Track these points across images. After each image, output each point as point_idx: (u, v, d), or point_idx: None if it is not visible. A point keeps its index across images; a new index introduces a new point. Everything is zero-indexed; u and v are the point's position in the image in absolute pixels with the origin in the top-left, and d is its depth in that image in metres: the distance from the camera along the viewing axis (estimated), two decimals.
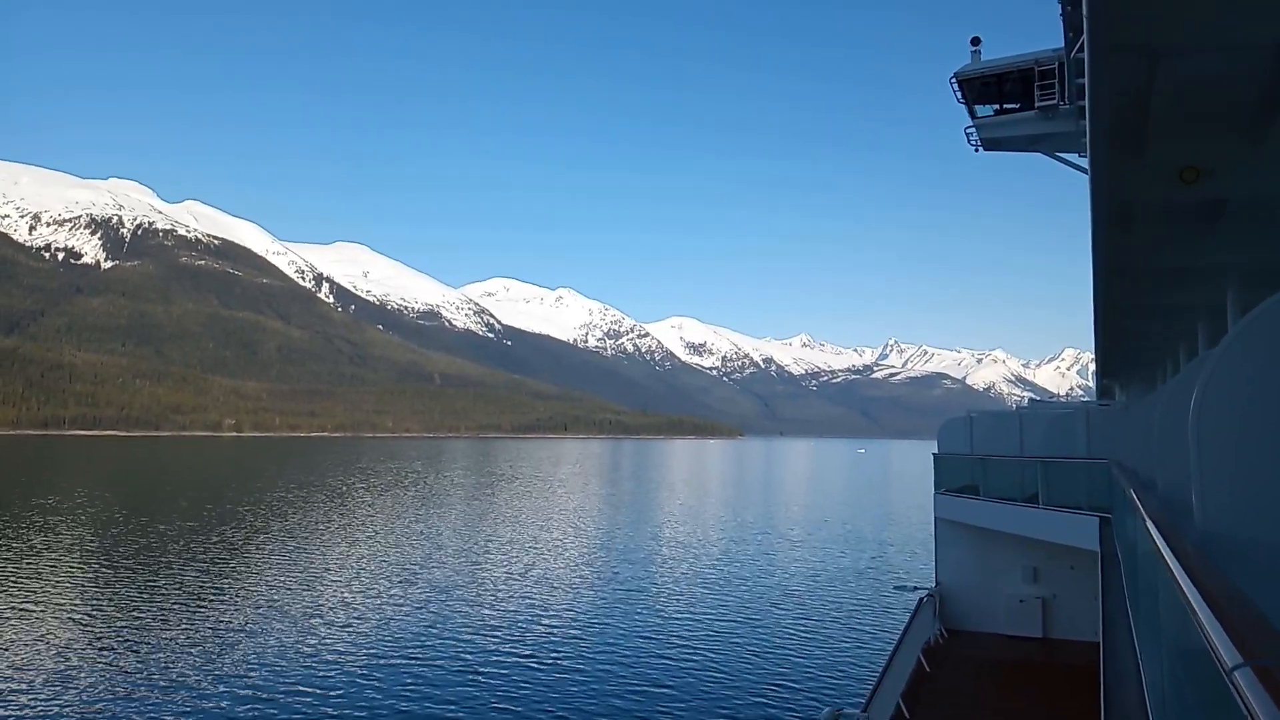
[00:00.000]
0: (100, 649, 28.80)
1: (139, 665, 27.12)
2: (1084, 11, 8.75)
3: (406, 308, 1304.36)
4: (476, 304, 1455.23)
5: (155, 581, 40.76)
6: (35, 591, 37.91)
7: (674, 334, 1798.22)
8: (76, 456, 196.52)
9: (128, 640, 30.02)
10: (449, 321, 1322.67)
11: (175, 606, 35.62)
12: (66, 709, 23.05)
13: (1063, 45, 24.09)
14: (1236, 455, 3.90)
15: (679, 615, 35.62)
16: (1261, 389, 3.72)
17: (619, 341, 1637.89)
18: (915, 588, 30.18)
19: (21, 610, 34.19)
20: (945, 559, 29.34)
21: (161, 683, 25.46)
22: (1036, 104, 26.62)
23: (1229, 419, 3.97)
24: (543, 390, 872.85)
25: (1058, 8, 19.36)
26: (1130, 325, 25.07)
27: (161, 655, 28.22)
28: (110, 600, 36.65)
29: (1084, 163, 15.36)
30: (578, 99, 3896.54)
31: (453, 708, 23.99)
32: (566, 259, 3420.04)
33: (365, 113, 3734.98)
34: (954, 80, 28.25)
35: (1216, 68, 9.94)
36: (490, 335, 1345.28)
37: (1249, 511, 3.77)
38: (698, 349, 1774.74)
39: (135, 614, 34.08)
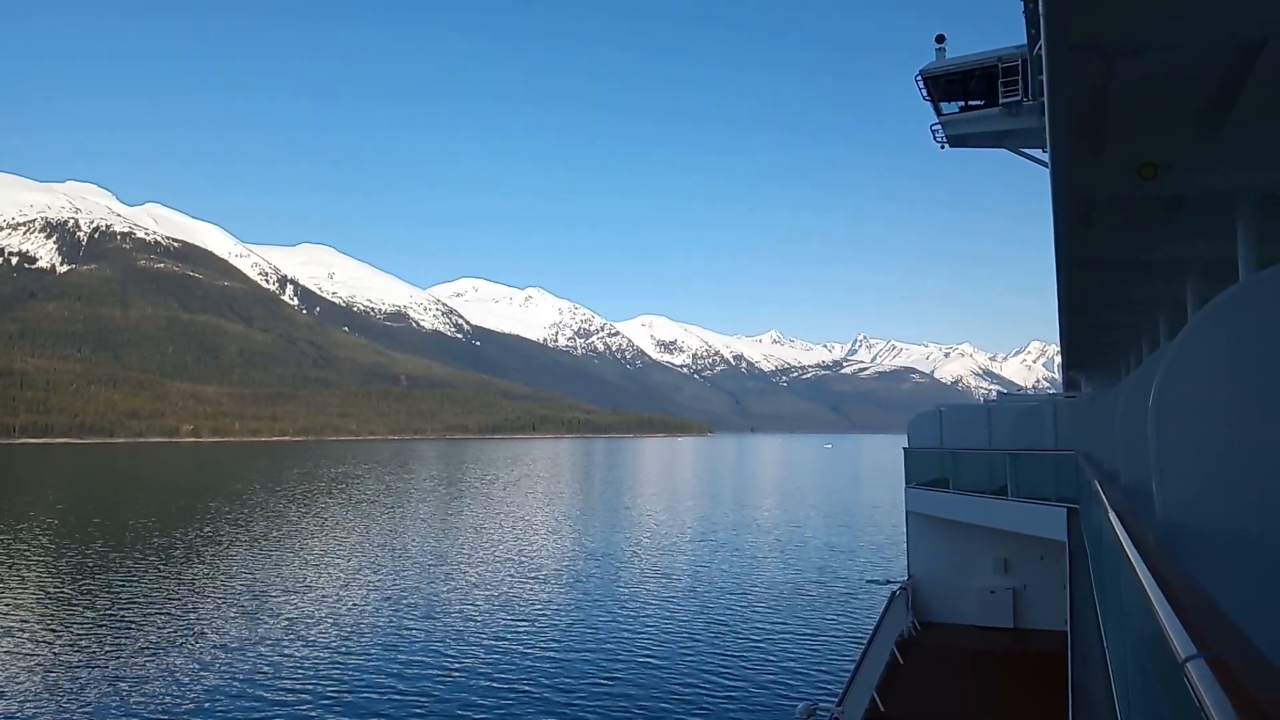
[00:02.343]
0: (59, 662, 28.27)
1: (102, 677, 26.74)
2: (1040, 10, 8.90)
3: (373, 309, 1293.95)
4: (445, 304, 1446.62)
5: (118, 593, 40.17)
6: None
7: (644, 332, 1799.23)
8: (19, 464, 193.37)
9: (89, 653, 29.53)
10: (417, 322, 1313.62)
11: (139, 617, 35.14)
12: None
13: (1025, 42, 24.40)
14: (1194, 447, 3.91)
15: (652, 613, 35.66)
16: (1218, 381, 3.73)
17: (589, 340, 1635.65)
18: (888, 581, 30.46)
19: None
20: (917, 552, 29.63)
21: (128, 695, 25.14)
22: (1000, 100, 26.81)
23: (1187, 411, 3.97)
24: (511, 390, 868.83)
25: (1020, 4, 19.61)
26: (1094, 319, 25.43)
27: (127, 667, 27.84)
28: (70, 613, 35.96)
29: (1047, 158, 15.58)
30: (545, 97, 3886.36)
31: (432, 712, 23.90)
32: (536, 258, 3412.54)
33: (330, 114, 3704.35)
34: (919, 78, 28.43)
35: (1172, 65, 10.11)
36: (459, 336, 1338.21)
37: (1207, 503, 3.79)
38: (668, 347, 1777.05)
39: (98, 626, 33.55)
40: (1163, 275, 18.80)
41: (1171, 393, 4.04)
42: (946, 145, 29.90)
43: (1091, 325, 26.83)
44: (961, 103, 28.63)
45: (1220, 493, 3.66)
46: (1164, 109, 11.29)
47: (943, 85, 28.56)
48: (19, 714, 23.16)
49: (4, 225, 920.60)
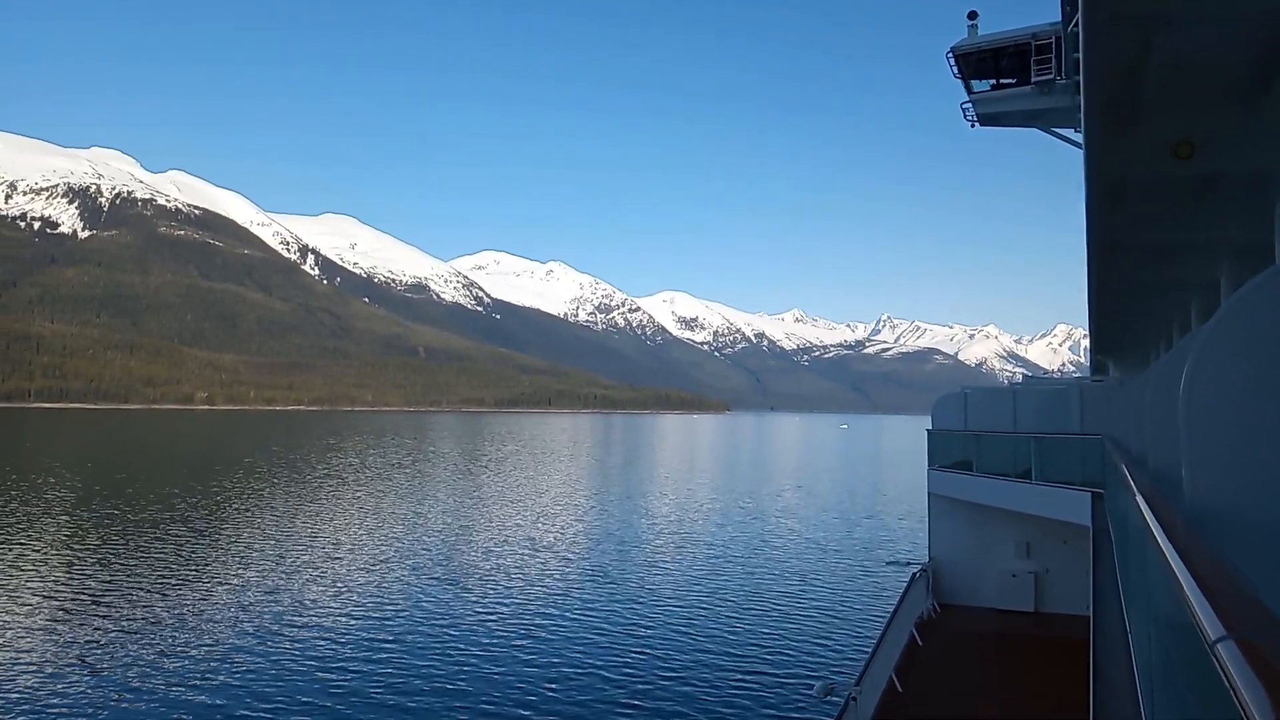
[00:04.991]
0: (71, 631, 28.19)
1: (112, 645, 26.88)
2: None
3: (394, 280, 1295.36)
4: (466, 277, 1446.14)
5: (128, 562, 40.33)
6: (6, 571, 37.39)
7: (665, 308, 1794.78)
8: (21, 429, 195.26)
9: (103, 621, 29.50)
10: (437, 295, 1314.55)
11: (150, 586, 35.21)
12: (37, 695, 22.52)
13: (1060, 19, 23.99)
14: (1226, 431, 3.86)
15: (671, 592, 35.61)
16: (1252, 364, 3.67)
17: (610, 315, 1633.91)
18: (908, 563, 30.31)
19: None
20: (938, 534, 29.47)
21: (137, 663, 25.30)
22: (1033, 79, 26.48)
23: (1219, 394, 3.94)
24: (529, 364, 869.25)
25: None
26: (1124, 302, 25.08)
27: (137, 635, 27.97)
28: (83, 582, 35.89)
29: (1080, 138, 15.25)
30: (569, 72, 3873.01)
31: (443, 687, 23.94)
32: (558, 233, 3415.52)
33: (357, 85, 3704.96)
34: (950, 55, 28.09)
35: (1211, 41, 9.89)
36: (479, 309, 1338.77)
37: (1238, 487, 3.74)
38: (689, 323, 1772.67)
39: (110, 594, 33.52)
40: (1196, 258, 18.46)
41: (1203, 376, 4.01)
42: (977, 124, 29.55)
43: (1121, 309, 26.48)
44: (993, 81, 28.24)
45: (1251, 477, 3.57)
46: (1201, 85, 10.94)
47: (974, 62, 28.18)
48: (17, 684, 23.19)
49: (27, 190, 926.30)
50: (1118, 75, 10.31)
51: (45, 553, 40.67)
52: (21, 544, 42.63)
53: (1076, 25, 10.48)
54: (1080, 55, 10.26)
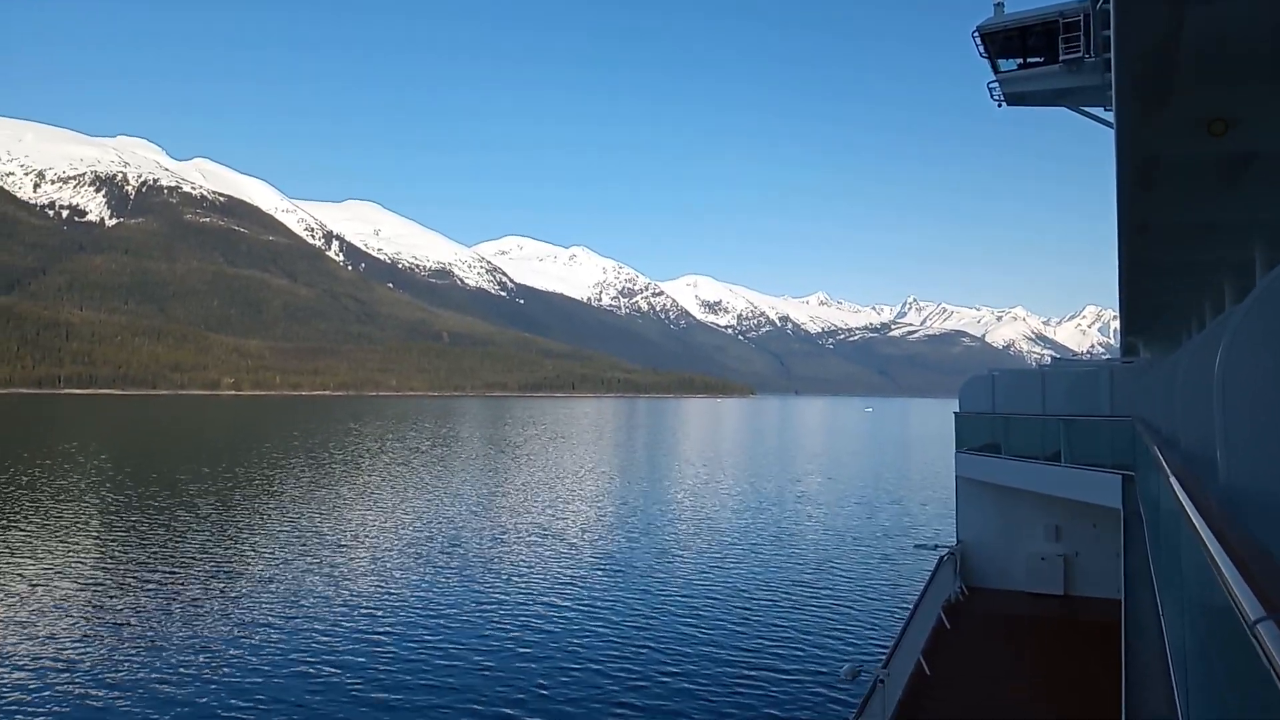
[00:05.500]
0: (97, 618, 28.30)
1: (140, 633, 27.04)
2: None
3: (418, 266, 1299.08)
4: (489, 262, 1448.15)
5: (156, 546, 40.85)
6: (33, 557, 37.76)
7: (689, 292, 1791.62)
8: (51, 415, 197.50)
9: (128, 608, 29.65)
10: (461, 280, 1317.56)
11: (177, 571, 35.46)
12: (64, 680, 22.65)
13: None
14: (1262, 410, 3.79)
15: (696, 577, 35.64)
16: None
17: (633, 300, 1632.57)
18: (935, 546, 30.18)
19: (17, 576, 33.53)
20: (966, 517, 29.35)
21: (161, 649, 25.57)
22: (1061, 57, 26.13)
23: (1256, 374, 3.88)
24: (553, 348, 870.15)
25: None
26: (1155, 283, 24.81)
27: (163, 623, 28.12)
28: (110, 568, 36.15)
29: (1110, 116, 15.01)
30: (593, 56, 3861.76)
31: (466, 674, 24.07)
32: (581, 217, 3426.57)
33: (380, 71, 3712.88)
34: (976, 34, 27.76)
35: (1244, 15, 9.71)
36: (503, 294, 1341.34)
37: (1274, 467, 3.65)
38: (713, 307, 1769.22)
39: (136, 581, 33.67)
40: (1229, 238, 18.19)
41: (1239, 355, 3.97)
42: (1004, 104, 29.21)
43: (1153, 289, 26.19)
44: (1020, 60, 27.89)
45: None
46: (1236, 61, 10.73)
47: (1001, 41, 27.84)
48: (29, 669, 23.38)
49: (55, 179, 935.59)
50: (1149, 52, 10.06)
51: (70, 538, 41.24)
52: (47, 529, 43.30)
53: (1105, 1, 10.72)
54: (1111, 32, 10.02)
